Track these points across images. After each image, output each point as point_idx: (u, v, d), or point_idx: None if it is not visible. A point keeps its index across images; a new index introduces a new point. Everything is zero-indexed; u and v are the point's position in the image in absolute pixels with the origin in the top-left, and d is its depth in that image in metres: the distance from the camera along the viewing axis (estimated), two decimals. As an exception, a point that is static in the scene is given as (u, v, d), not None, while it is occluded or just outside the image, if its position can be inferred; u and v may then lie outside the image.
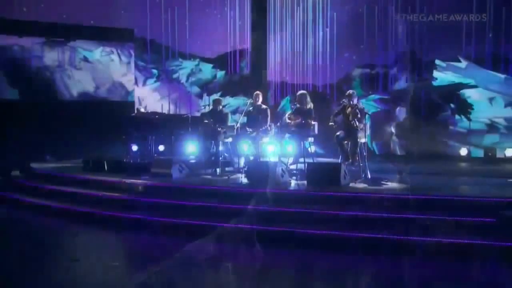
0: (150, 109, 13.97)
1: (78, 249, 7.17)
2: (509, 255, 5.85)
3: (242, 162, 9.90)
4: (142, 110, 12.77)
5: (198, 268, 6.08)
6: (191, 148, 10.86)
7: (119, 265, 6.40)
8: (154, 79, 14.75)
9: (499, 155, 11.76)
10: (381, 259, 6.16)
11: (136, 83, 14.77)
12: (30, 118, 13.18)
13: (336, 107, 10.72)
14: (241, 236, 6.94)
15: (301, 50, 13.83)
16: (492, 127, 12.15)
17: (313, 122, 9.17)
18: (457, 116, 12.46)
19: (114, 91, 14.77)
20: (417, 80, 12.69)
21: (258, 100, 9.82)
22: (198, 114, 13.85)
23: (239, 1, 14.25)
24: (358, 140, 8.54)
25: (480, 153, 12.04)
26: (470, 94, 12.33)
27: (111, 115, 13.89)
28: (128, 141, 11.60)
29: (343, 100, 8.93)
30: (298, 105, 9.29)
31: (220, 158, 10.03)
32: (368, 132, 8.75)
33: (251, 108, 9.89)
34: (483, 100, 12.24)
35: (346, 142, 8.80)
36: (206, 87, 14.50)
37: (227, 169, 10.04)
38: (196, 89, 14.53)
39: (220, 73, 14.48)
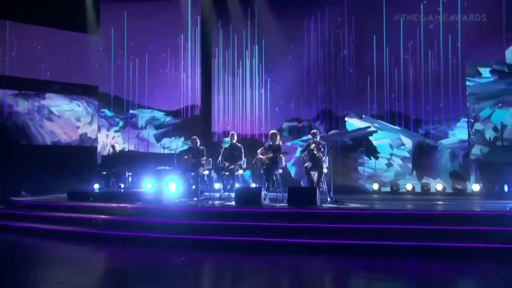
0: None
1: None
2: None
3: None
4: (119, 148, 12.57)
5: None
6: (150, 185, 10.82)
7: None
8: (117, 127, 14.64)
9: (401, 189, 12.63)
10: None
11: (99, 130, 14.59)
12: (5, 159, 12.69)
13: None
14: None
15: (240, 105, 14.41)
16: (390, 165, 13.20)
17: (282, 156, 9.55)
18: (365, 157, 13.31)
19: (80, 139, 14.51)
20: (334, 129, 13.65)
21: (233, 139, 10.14)
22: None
23: (190, 65, 14.66)
24: (323, 169, 9.14)
25: (387, 188, 12.85)
26: (375, 140, 13.27)
27: (79, 157, 13.72)
28: (108, 176, 11.49)
29: (310, 136, 9.51)
30: (270, 142, 9.53)
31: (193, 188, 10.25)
32: (327, 164, 9.29)
33: (227, 146, 10.11)
34: (385, 145, 13.22)
35: (312, 172, 9.20)
36: (162, 131, 14.56)
37: (200, 198, 10.22)
38: (153, 131, 14.53)
39: (173, 120, 14.60)
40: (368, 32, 13.45)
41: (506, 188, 11.15)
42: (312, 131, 9.56)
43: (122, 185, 11.52)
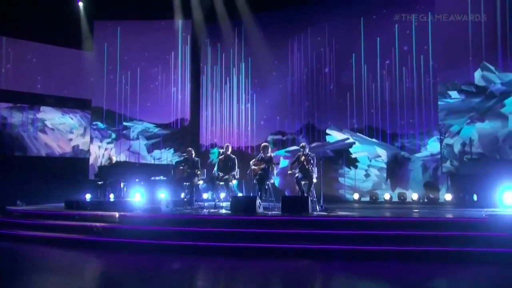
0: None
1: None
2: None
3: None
4: (116, 159, 12.65)
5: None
6: (139, 196, 10.95)
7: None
8: (110, 139, 14.74)
9: (380, 199, 13.03)
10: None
11: (92, 142, 14.65)
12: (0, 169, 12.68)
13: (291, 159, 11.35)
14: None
15: (227, 119, 14.69)
16: (368, 175, 13.61)
17: (274, 167, 9.80)
18: (346, 168, 13.72)
19: (73, 151, 14.56)
20: (316, 141, 13.99)
21: (228, 151, 10.35)
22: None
23: (180, 80, 14.91)
24: (313, 180, 9.42)
25: (366, 197, 13.22)
26: (354, 152, 13.65)
27: (72, 168, 13.75)
28: (104, 186, 11.57)
29: (300, 148, 9.79)
30: (262, 154, 9.73)
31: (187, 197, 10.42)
32: (317, 174, 9.58)
33: (222, 157, 10.31)
34: (363, 157, 13.64)
35: (303, 182, 9.43)
36: (153, 142, 14.71)
37: (194, 206, 10.36)
38: (144, 141, 14.66)
39: (164, 131, 14.78)
40: (347, 52, 13.92)
41: (475, 197, 11.64)
42: (301, 144, 9.81)
43: (112, 195, 11.62)
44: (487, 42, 12.46)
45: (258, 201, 8.82)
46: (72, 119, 14.61)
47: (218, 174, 10.01)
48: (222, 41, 14.73)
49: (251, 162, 9.81)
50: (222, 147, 13.93)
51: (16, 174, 12.79)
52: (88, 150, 14.65)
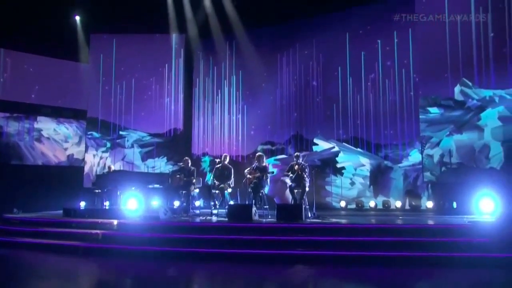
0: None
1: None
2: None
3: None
4: (113, 168, 12.75)
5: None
6: (134, 203, 10.99)
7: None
8: (105, 147, 14.82)
9: (365, 206, 13.30)
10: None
11: (87, 151, 14.72)
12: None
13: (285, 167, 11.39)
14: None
15: (219, 129, 14.92)
16: (353, 183, 13.93)
17: (268, 175, 10.02)
18: (333, 176, 14.00)
19: (68, 159, 14.60)
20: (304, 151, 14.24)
21: (225, 160, 10.55)
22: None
23: (174, 91, 15.11)
24: (306, 188, 9.66)
25: (352, 205, 13.50)
26: (341, 161, 13.94)
27: (67, 177, 13.79)
28: (101, 194, 11.66)
29: (294, 158, 10.05)
30: (257, 164, 9.96)
31: (184, 205, 10.57)
32: (309, 183, 9.85)
33: (219, 166, 10.50)
34: (349, 166, 13.94)
35: (296, 190, 9.70)
36: (147, 150, 14.85)
37: (189, 214, 10.54)
38: (138, 149, 14.79)
39: (157, 141, 14.94)
40: (333, 66, 14.27)
41: (454, 204, 12.04)
42: (296, 154, 10.08)
43: (107, 203, 11.68)
44: (464, 60, 12.92)
45: (254, 208, 9.03)
46: (67, 128, 14.71)
47: (214, 183, 10.19)
48: (214, 54, 15.02)
49: (245, 171, 10.02)
50: (214, 157, 14.34)
51: (13, 182, 12.81)
52: (83, 159, 14.72)
